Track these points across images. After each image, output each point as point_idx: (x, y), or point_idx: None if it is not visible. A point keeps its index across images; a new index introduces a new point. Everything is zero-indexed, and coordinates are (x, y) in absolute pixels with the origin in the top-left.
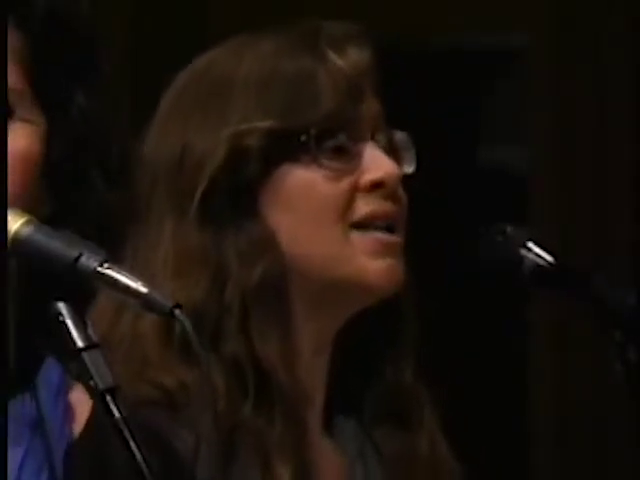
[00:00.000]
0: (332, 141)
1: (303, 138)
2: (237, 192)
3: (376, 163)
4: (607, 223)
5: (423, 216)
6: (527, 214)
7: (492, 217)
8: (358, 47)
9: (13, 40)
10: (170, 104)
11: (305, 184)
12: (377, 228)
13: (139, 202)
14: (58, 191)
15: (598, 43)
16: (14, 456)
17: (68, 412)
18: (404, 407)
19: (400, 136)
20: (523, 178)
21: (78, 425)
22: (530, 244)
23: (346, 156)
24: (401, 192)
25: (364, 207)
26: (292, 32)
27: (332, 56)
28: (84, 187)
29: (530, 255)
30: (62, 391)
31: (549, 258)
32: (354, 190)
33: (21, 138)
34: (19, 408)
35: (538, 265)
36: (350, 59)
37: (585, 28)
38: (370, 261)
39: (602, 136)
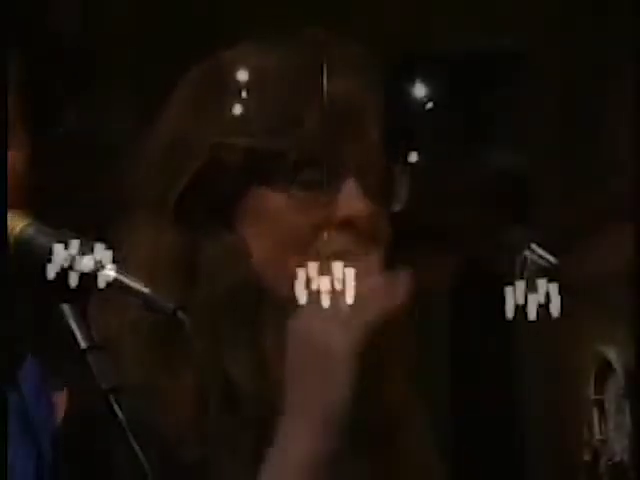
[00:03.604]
0: (309, 172)
1: (280, 162)
2: (213, 202)
3: (348, 201)
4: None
5: (423, 216)
6: (527, 214)
7: (492, 217)
8: (357, 75)
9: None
10: (174, 97)
11: (275, 211)
12: None
13: (132, 191)
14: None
15: (598, 43)
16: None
17: (50, 403)
18: (385, 428)
19: (397, 170)
20: (523, 178)
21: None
22: (533, 245)
23: (322, 189)
24: (379, 230)
25: (331, 244)
26: (294, 47)
27: (328, 83)
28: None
29: (533, 256)
30: (42, 384)
31: (552, 259)
32: (325, 224)
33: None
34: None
35: (540, 265)
36: (346, 88)
37: (585, 28)
38: None
39: (602, 136)
